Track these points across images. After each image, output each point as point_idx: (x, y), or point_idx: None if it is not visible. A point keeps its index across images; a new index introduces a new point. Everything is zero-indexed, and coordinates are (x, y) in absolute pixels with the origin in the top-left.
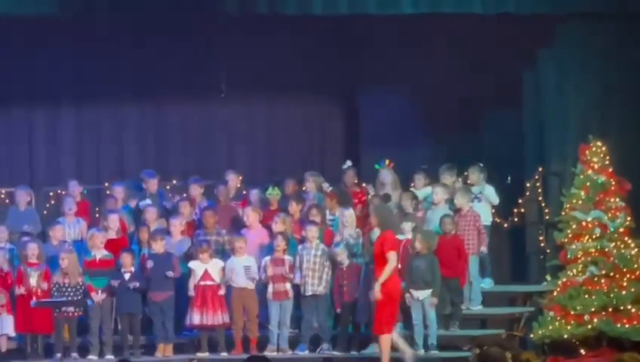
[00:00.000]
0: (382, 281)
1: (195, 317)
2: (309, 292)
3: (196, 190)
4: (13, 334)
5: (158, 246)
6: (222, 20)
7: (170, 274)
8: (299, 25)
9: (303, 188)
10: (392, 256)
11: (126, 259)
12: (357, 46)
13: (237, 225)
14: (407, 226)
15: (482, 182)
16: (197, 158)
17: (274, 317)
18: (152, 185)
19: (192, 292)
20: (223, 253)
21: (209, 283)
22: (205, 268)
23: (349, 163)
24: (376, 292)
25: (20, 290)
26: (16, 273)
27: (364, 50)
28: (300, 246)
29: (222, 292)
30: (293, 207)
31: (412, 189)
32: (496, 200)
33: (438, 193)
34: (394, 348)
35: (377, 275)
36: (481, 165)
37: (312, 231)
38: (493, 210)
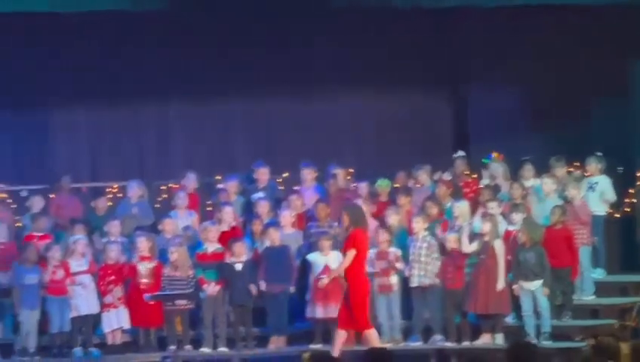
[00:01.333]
0: (336, 273)
1: (316, 310)
2: (414, 284)
3: (309, 174)
4: (128, 327)
5: (274, 239)
6: (328, 14)
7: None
8: (407, 18)
9: (413, 181)
10: (351, 255)
11: (239, 248)
12: (465, 38)
13: None
14: (517, 217)
15: (600, 173)
16: (306, 151)
17: (382, 310)
18: (264, 177)
19: (319, 283)
20: (335, 246)
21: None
22: (325, 261)
23: (460, 152)
24: (324, 280)
25: (133, 284)
26: (129, 267)
27: (472, 42)
28: (409, 239)
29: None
30: (402, 200)
31: (521, 180)
32: (611, 195)
33: (548, 184)
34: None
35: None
36: (600, 155)
37: (418, 223)
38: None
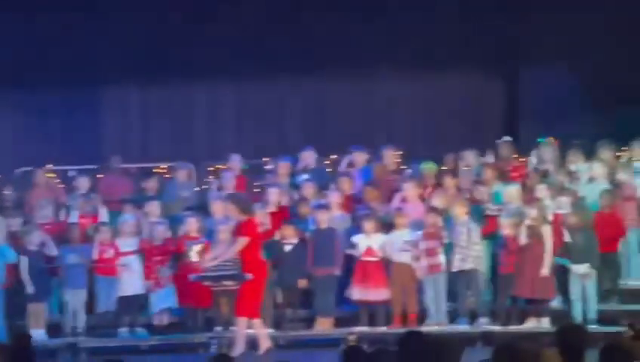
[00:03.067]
0: (221, 258)
1: (357, 292)
2: (455, 269)
3: (360, 156)
4: (176, 306)
5: (321, 221)
6: None
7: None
8: None
9: (462, 163)
10: (241, 243)
11: (287, 230)
12: (517, 20)
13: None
14: (565, 201)
15: None
16: (356, 134)
17: (428, 292)
18: (311, 160)
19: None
20: (383, 228)
21: (371, 259)
22: (368, 243)
23: (506, 138)
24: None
25: (180, 264)
26: (177, 244)
27: (524, 24)
28: (450, 222)
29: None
30: (448, 182)
31: (569, 165)
32: None
33: (596, 168)
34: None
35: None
36: None
37: (458, 207)
38: None
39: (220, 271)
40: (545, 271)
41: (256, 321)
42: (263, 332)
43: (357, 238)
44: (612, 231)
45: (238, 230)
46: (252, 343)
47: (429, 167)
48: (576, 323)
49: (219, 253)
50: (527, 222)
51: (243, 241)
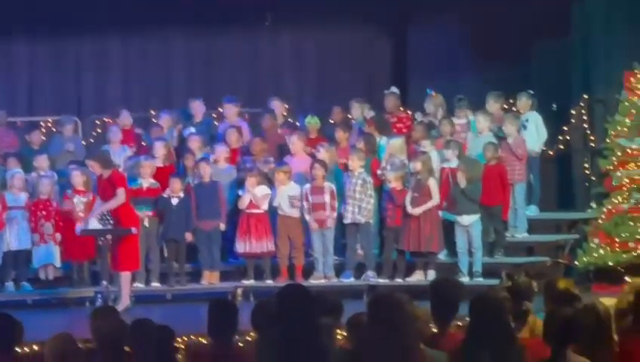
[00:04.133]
0: (104, 209)
1: (241, 245)
2: (348, 220)
3: (231, 109)
4: (59, 265)
5: (204, 174)
6: None
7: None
8: None
9: (349, 116)
10: (122, 193)
11: (175, 184)
12: None
13: (283, 154)
14: (449, 154)
15: (531, 109)
16: (245, 87)
17: (317, 245)
18: (198, 112)
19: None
20: (270, 181)
21: (255, 211)
22: (251, 196)
23: (393, 89)
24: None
25: (66, 218)
26: (62, 201)
27: None
28: (344, 175)
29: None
30: (340, 135)
31: (453, 118)
32: (542, 131)
33: (481, 121)
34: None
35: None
36: (531, 92)
37: (353, 160)
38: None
39: (105, 224)
40: (431, 224)
41: (128, 275)
42: (127, 290)
43: (241, 191)
44: (496, 184)
45: (112, 182)
46: (137, 298)
47: (314, 122)
48: (450, 277)
49: (104, 206)
50: (413, 174)
51: (123, 191)
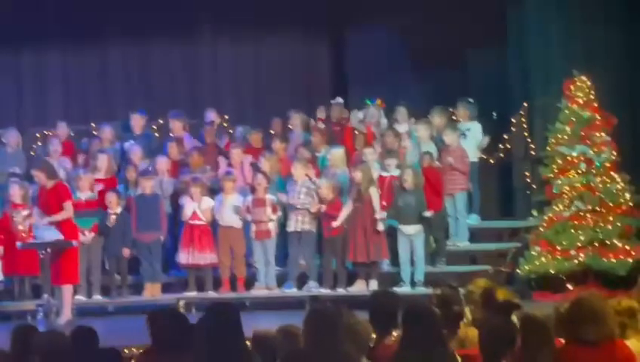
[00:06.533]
0: (51, 221)
1: (183, 256)
2: (291, 228)
3: (175, 124)
4: (1, 278)
5: (145, 187)
6: None
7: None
8: None
9: (289, 127)
10: (70, 206)
11: (112, 198)
12: None
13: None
14: (392, 163)
15: (471, 118)
16: (183, 98)
17: (258, 256)
18: (138, 125)
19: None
20: (212, 192)
21: (197, 222)
22: (194, 207)
23: (338, 99)
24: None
25: (6, 232)
26: (2, 215)
27: None
28: (288, 184)
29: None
30: (277, 145)
31: (394, 126)
32: (483, 140)
33: (421, 130)
34: None
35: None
36: (471, 101)
37: (297, 169)
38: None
39: (46, 237)
40: (379, 227)
41: (70, 288)
42: (68, 303)
43: (183, 201)
44: (432, 192)
45: (57, 194)
46: (79, 310)
47: (254, 134)
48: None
49: (51, 218)
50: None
51: (70, 205)
